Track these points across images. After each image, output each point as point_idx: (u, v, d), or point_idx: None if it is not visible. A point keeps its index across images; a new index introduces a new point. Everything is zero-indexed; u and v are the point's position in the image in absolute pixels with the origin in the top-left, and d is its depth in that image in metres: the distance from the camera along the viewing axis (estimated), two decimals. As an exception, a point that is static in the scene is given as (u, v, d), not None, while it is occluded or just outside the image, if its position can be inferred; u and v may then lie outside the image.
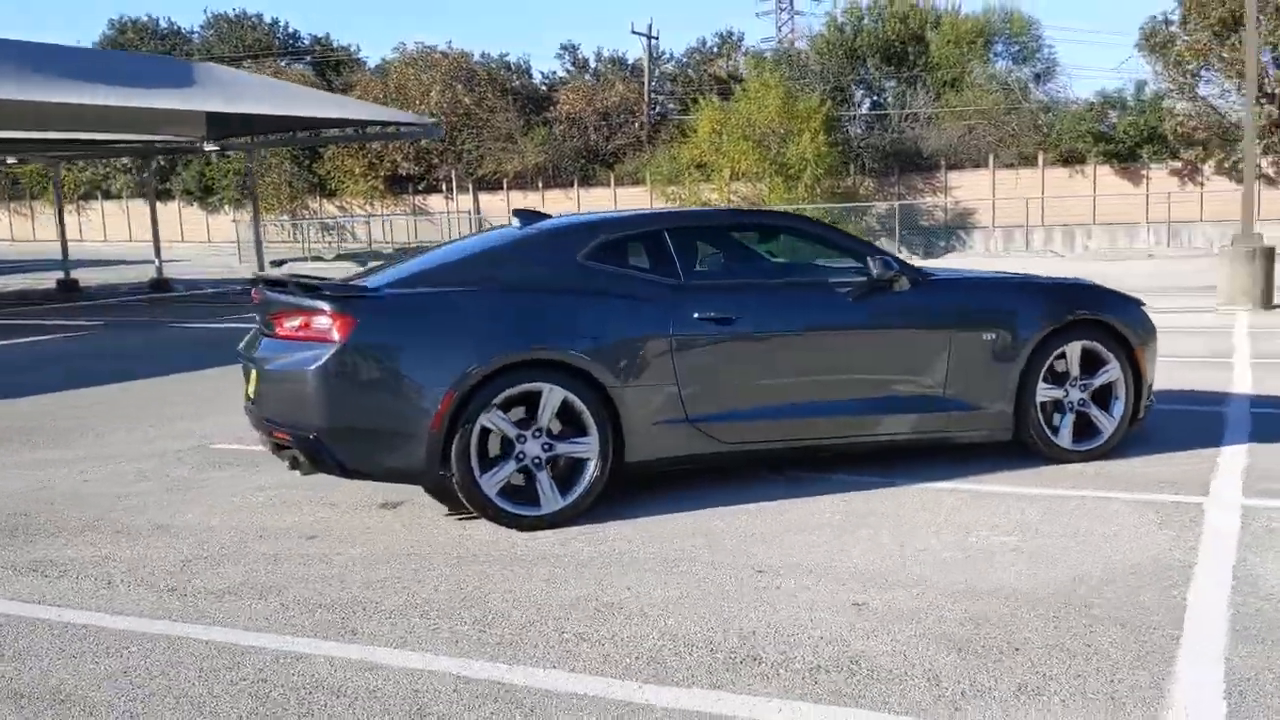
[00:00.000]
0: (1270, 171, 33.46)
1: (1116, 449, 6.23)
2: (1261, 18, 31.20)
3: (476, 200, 45.13)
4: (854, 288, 5.85)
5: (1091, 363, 6.20)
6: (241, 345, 5.92)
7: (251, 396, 5.56)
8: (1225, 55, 32.54)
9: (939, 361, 5.91)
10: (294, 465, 5.34)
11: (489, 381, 5.12)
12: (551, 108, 45.37)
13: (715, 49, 49.23)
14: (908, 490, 5.70)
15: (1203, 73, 33.94)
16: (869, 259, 5.89)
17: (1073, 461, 6.11)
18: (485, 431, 5.15)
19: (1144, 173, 34.85)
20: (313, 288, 5.32)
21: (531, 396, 5.22)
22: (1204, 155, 33.70)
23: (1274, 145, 33.15)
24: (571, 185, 43.46)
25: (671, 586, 4.37)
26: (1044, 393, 6.09)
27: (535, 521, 5.20)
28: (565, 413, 5.27)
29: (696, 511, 5.40)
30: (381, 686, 3.52)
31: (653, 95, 47.40)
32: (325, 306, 5.14)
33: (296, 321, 5.26)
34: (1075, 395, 6.17)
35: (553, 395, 5.22)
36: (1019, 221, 35.92)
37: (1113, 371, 6.20)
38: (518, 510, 5.20)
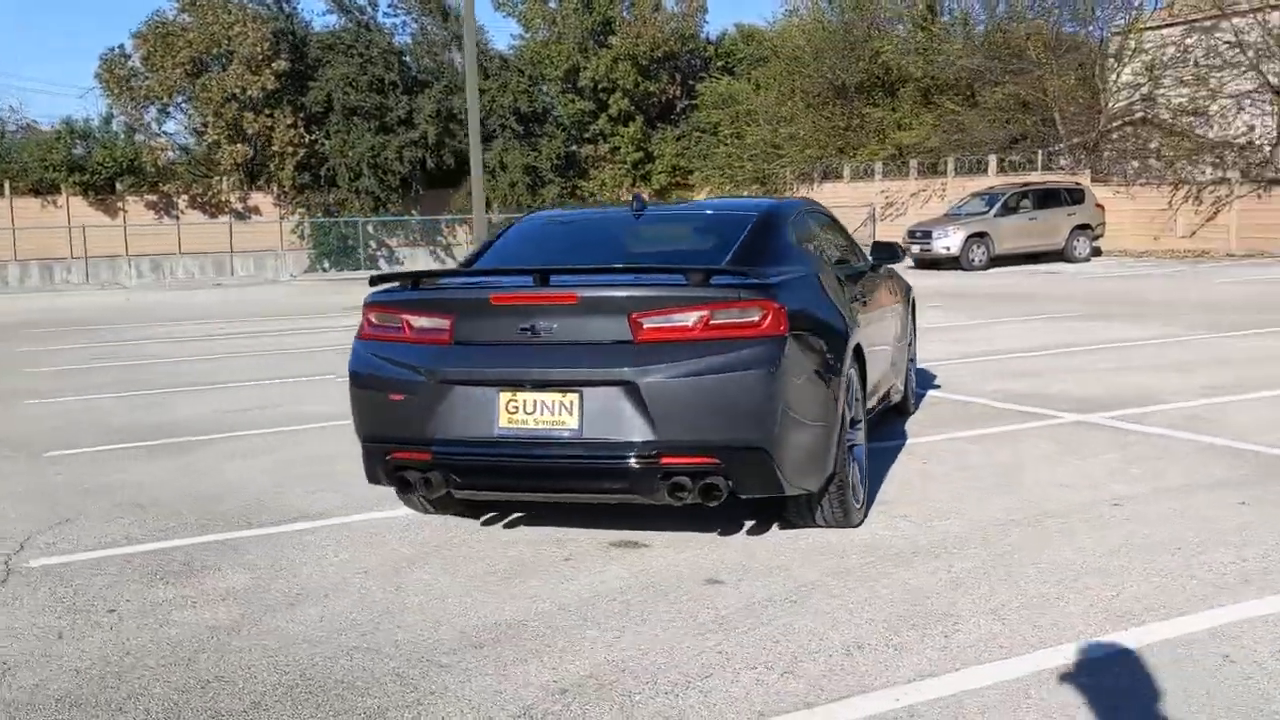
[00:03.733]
0: (239, 207, 35.67)
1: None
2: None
3: None
4: (867, 269, 6.19)
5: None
6: (489, 364, 4.06)
7: (577, 426, 3.89)
8: (198, 94, 33.70)
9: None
10: (679, 494, 3.99)
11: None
12: None
13: None
14: (946, 440, 6.38)
15: (174, 111, 34.68)
16: (855, 246, 6.32)
17: (908, 414, 7.27)
18: None
19: (121, 205, 34.14)
20: (705, 272, 3.99)
21: None
22: (181, 189, 34.40)
23: (240, 183, 35.30)
24: None
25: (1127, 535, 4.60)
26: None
27: (855, 516, 4.68)
28: None
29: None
30: None
31: None
32: (750, 295, 4.03)
33: (690, 317, 4.02)
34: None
35: (853, 380, 4.75)
36: (-8, 255, 32.25)
37: (912, 337, 7.53)
38: (859, 506, 4.66)
